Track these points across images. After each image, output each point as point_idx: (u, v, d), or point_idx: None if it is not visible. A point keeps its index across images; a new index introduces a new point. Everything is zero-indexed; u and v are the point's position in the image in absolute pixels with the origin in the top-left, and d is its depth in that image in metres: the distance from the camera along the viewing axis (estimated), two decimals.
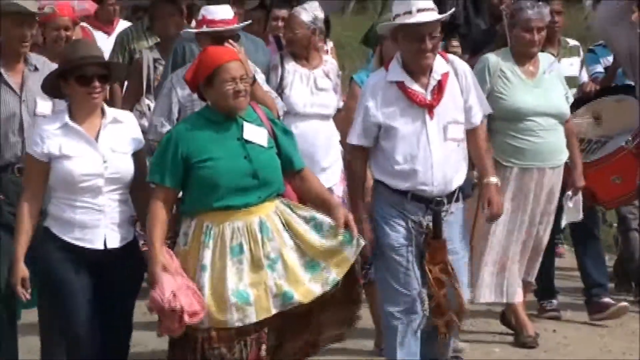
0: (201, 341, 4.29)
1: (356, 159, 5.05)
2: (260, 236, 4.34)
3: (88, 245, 4.40)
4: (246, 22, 6.45)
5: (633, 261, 7.26)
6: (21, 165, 4.92)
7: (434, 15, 4.88)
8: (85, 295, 4.38)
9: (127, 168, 4.45)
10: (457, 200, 4.99)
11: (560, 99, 6.09)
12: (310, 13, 6.59)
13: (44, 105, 5.12)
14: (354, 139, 5.00)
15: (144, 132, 5.10)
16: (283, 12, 7.55)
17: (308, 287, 4.37)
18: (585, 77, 7.20)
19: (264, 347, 4.37)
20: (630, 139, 6.49)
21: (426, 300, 4.89)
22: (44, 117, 4.90)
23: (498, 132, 5.92)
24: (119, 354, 4.54)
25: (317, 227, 4.45)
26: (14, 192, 4.97)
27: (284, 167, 4.52)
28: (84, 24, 7.78)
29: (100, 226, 4.39)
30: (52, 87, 4.55)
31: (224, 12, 5.63)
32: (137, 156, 4.53)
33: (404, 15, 4.86)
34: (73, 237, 4.39)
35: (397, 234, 4.89)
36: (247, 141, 4.42)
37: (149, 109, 6.65)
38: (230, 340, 4.31)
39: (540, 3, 6.11)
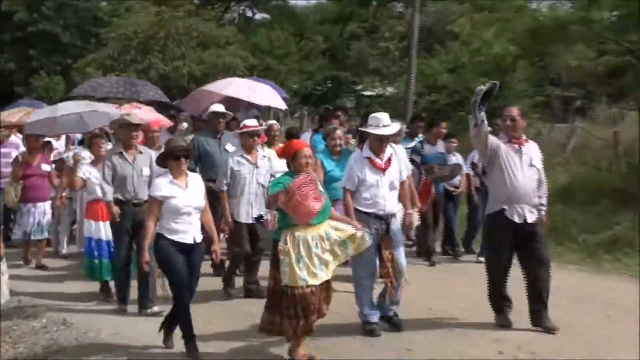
0: (299, 292, 7.24)
1: (347, 197, 8.47)
2: (326, 237, 7.37)
3: (184, 240, 7.70)
4: None
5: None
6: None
7: (390, 130, 8.44)
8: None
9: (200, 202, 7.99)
10: (394, 216, 8.55)
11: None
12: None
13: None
14: (347, 185, 8.49)
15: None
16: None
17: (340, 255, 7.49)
18: None
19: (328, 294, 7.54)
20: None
21: (378, 270, 8.59)
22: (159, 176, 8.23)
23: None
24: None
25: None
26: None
27: None
28: None
29: (190, 231, 7.76)
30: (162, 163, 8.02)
31: None
32: None
33: (375, 127, 8.41)
34: (177, 237, 7.68)
35: None
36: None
37: None
38: (316, 292, 7.30)
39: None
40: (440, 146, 12.73)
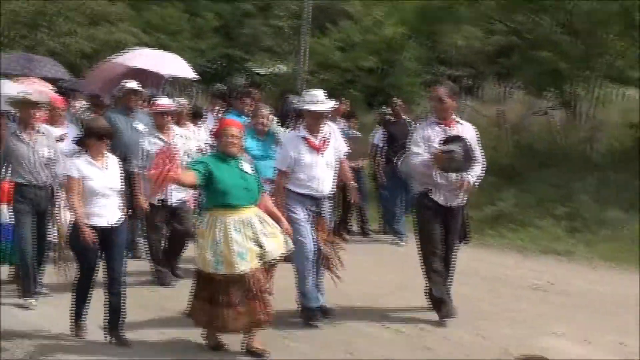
0: (219, 280, 6.95)
1: (279, 178, 8.21)
2: (249, 222, 6.98)
3: (97, 224, 7.38)
4: None
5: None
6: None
7: (326, 106, 8.26)
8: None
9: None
10: (328, 198, 8.34)
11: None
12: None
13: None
14: (279, 165, 8.24)
15: None
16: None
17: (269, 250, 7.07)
18: None
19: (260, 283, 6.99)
20: None
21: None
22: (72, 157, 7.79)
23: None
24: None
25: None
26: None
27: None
28: None
29: (104, 214, 7.48)
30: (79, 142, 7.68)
31: None
32: None
33: (311, 103, 8.19)
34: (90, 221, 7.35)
35: (300, 215, 8.11)
36: (242, 170, 7.16)
37: None
38: (237, 280, 6.89)
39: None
40: (341, 123, 12.92)
